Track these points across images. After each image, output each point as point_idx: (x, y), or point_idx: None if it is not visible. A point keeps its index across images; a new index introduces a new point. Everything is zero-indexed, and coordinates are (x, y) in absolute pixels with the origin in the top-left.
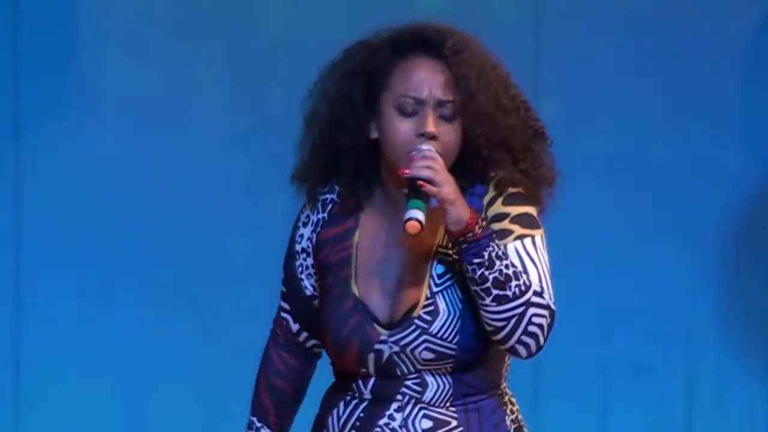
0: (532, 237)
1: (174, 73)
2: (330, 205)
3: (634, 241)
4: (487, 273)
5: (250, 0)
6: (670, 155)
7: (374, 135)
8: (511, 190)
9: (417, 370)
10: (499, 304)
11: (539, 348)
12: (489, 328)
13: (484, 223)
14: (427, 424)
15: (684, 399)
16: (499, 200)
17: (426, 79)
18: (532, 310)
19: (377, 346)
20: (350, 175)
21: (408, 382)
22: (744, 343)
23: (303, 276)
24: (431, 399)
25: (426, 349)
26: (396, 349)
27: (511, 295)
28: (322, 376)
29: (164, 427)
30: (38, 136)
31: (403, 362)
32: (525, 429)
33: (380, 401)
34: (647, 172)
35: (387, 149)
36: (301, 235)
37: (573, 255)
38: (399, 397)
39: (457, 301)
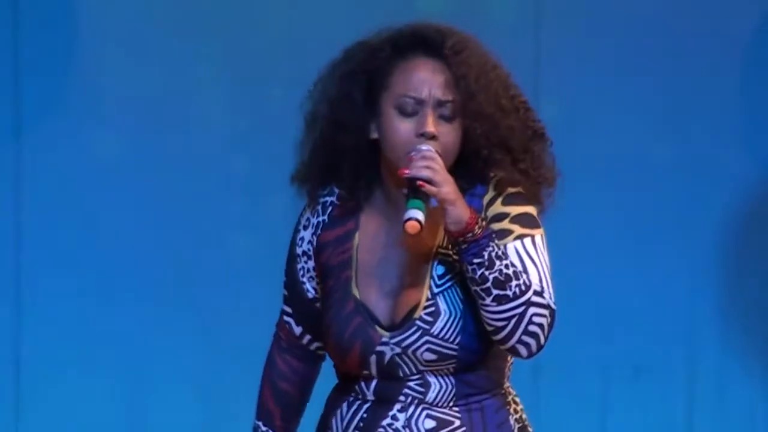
0: (532, 237)
1: (174, 73)
2: (330, 208)
3: (634, 241)
4: (487, 273)
5: (250, 0)
6: (670, 155)
7: (374, 135)
8: (511, 190)
9: (419, 371)
10: (500, 303)
11: (540, 348)
12: (489, 328)
13: (483, 223)
14: (431, 424)
15: (684, 399)
16: (499, 200)
17: (426, 79)
18: (532, 310)
19: (379, 348)
20: (350, 175)
21: (410, 383)
22: (744, 343)
23: (304, 279)
24: (434, 399)
25: (428, 350)
26: (398, 350)
27: (511, 295)
28: (326, 377)
29: (164, 427)
30: (38, 136)
31: (405, 363)
32: (529, 428)
33: (383, 402)
34: (647, 172)
35: (387, 149)
36: (302, 238)
37: (573, 255)
38: (402, 398)
39: (458, 301)
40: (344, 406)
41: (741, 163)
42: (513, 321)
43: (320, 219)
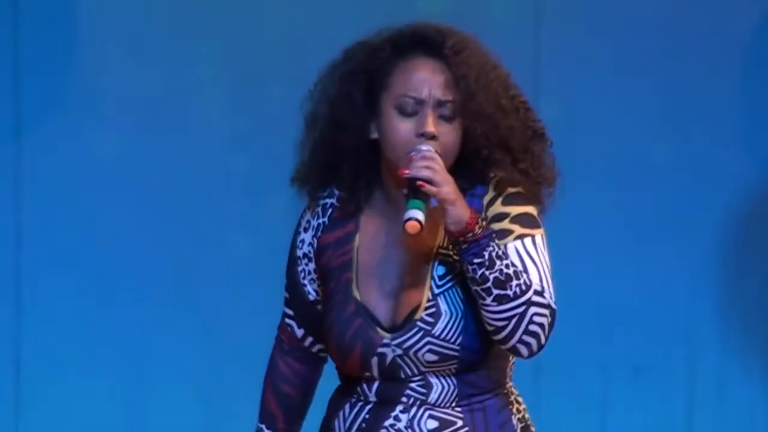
0: (532, 236)
1: (174, 73)
2: (330, 210)
3: (634, 241)
4: (487, 273)
5: (250, 0)
6: (670, 155)
7: (374, 135)
8: (511, 190)
9: (421, 372)
10: (500, 303)
11: (540, 347)
12: (490, 328)
13: (484, 223)
14: (433, 424)
15: (684, 399)
16: (499, 200)
17: (426, 79)
18: (533, 310)
19: (380, 350)
20: (350, 175)
21: (412, 384)
22: (744, 343)
23: (305, 281)
24: (436, 400)
25: (429, 351)
26: (399, 352)
27: (511, 295)
28: (328, 379)
29: (164, 427)
30: (38, 136)
31: (407, 365)
32: (532, 428)
33: (385, 403)
34: (647, 172)
35: (387, 149)
36: (302, 241)
37: (573, 255)
38: (404, 399)
39: (459, 302)
40: (346, 407)
41: (741, 163)
42: (514, 321)
43: (320, 221)
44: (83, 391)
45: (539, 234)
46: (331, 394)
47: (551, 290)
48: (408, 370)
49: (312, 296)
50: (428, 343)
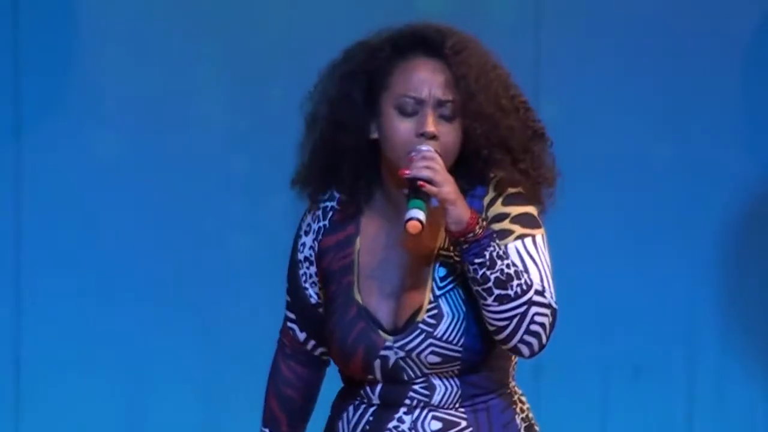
0: (533, 236)
1: (174, 73)
2: (331, 213)
3: (634, 241)
4: (488, 273)
5: (250, 0)
6: (670, 155)
7: (374, 135)
8: (511, 190)
9: (424, 374)
10: (501, 303)
11: (542, 347)
12: (491, 328)
13: (484, 223)
14: (437, 425)
15: (684, 399)
16: (499, 201)
17: (426, 79)
18: (534, 309)
19: (383, 353)
20: (350, 176)
21: (415, 387)
22: (744, 343)
23: (307, 285)
24: (439, 401)
25: (432, 353)
26: (401, 354)
27: (512, 295)
28: (331, 382)
29: (164, 427)
30: (38, 136)
31: (410, 367)
32: (536, 427)
33: (389, 406)
34: (647, 172)
35: (387, 149)
36: (303, 244)
37: (573, 255)
38: (407, 401)
39: (461, 303)
40: (350, 409)
41: (741, 163)
42: (515, 320)
43: (321, 224)
44: (83, 391)
45: (540, 234)
46: (334, 397)
47: (552, 290)
48: (411, 372)
49: (313, 299)
50: (431, 344)
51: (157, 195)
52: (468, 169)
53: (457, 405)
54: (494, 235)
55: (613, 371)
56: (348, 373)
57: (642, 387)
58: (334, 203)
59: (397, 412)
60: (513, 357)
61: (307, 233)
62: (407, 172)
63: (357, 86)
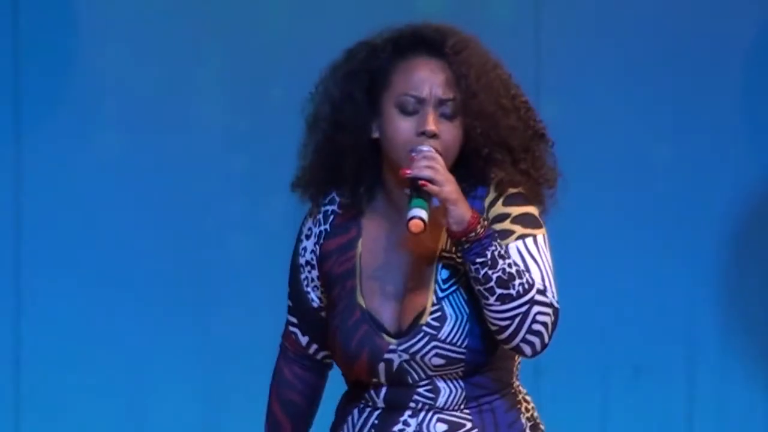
0: (534, 236)
1: (174, 73)
2: (332, 217)
3: (634, 241)
4: (490, 272)
5: (250, 0)
6: (670, 155)
7: (375, 135)
8: (512, 190)
9: (428, 377)
10: (503, 303)
11: (544, 346)
12: (493, 328)
13: (485, 222)
14: (442, 427)
15: (684, 399)
16: (500, 201)
17: (427, 78)
18: (536, 309)
19: (387, 356)
20: (351, 177)
21: (420, 389)
22: (744, 343)
23: (309, 289)
24: (444, 403)
25: (436, 355)
26: (406, 357)
27: (514, 294)
28: (335, 385)
29: (164, 427)
30: (38, 136)
31: (414, 370)
32: (541, 426)
33: (394, 409)
34: (647, 172)
35: (388, 148)
36: (305, 248)
37: (573, 255)
38: (412, 404)
39: (464, 304)
40: (355, 412)
41: (741, 163)
42: (517, 320)
43: (322, 228)
44: (83, 391)
45: (541, 234)
46: (338, 401)
47: (554, 289)
48: (415, 375)
49: (316, 303)
50: (435, 347)
51: (157, 195)
52: (469, 169)
53: (462, 406)
54: (495, 235)
55: (613, 371)
56: (352, 376)
57: (642, 387)
58: (335, 207)
59: (402, 414)
60: (516, 357)
61: (308, 237)
62: (408, 171)
63: (358, 86)
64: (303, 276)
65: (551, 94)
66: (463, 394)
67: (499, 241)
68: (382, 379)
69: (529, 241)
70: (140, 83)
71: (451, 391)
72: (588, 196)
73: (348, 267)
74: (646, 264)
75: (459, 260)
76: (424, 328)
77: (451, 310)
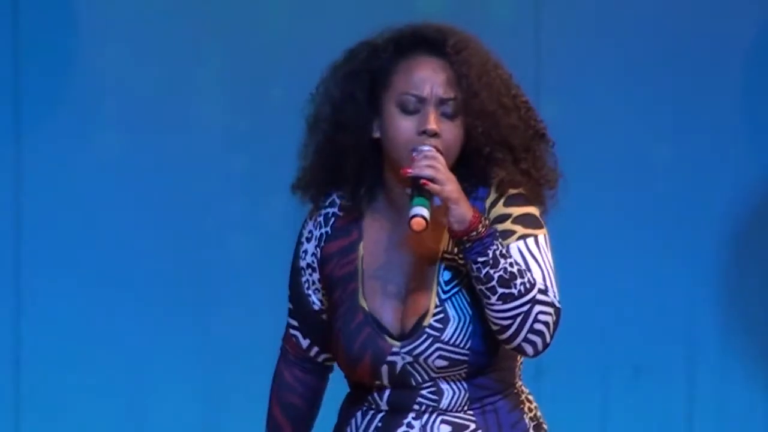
0: (535, 237)
1: (174, 73)
2: (333, 219)
3: (634, 241)
4: (492, 271)
5: (251, 0)
6: (670, 155)
7: (376, 134)
8: (512, 191)
9: (431, 379)
10: (505, 302)
11: (546, 346)
12: (495, 327)
13: (487, 221)
14: (446, 429)
15: (684, 399)
16: (501, 201)
17: (427, 78)
18: (537, 308)
19: (390, 358)
20: (352, 177)
21: (423, 391)
22: (744, 343)
23: (310, 291)
24: (448, 405)
25: (439, 357)
26: (409, 359)
27: (516, 293)
28: (338, 386)
29: (164, 427)
30: (38, 136)
31: (417, 372)
32: (544, 425)
33: (397, 411)
34: (647, 172)
35: (389, 148)
36: (305, 251)
37: (573, 255)
38: (416, 406)
39: (466, 306)
40: (358, 415)
41: (741, 163)
42: (519, 319)
43: (323, 231)
44: (83, 391)
45: (542, 234)
46: (340, 402)
47: (555, 289)
48: (419, 377)
49: (317, 306)
50: (438, 349)
51: (157, 195)
52: (469, 169)
53: (465, 408)
54: (497, 234)
55: (613, 371)
56: (355, 379)
57: (642, 387)
58: (335, 209)
59: (406, 417)
60: (518, 357)
61: (308, 240)
62: (410, 170)
63: (359, 86)
64: (304, 279)
65: (551, 94)
66: (467, 395)
67: (500, 240)
68: (385, 381)
69: (530, 241)
70: (140, 83)
71: (454, 393)
72: (588, 196)
73: (349, 270)
74: (646, 264)
75: (461, 261)
76: (427, 330)
77: (453, 312)
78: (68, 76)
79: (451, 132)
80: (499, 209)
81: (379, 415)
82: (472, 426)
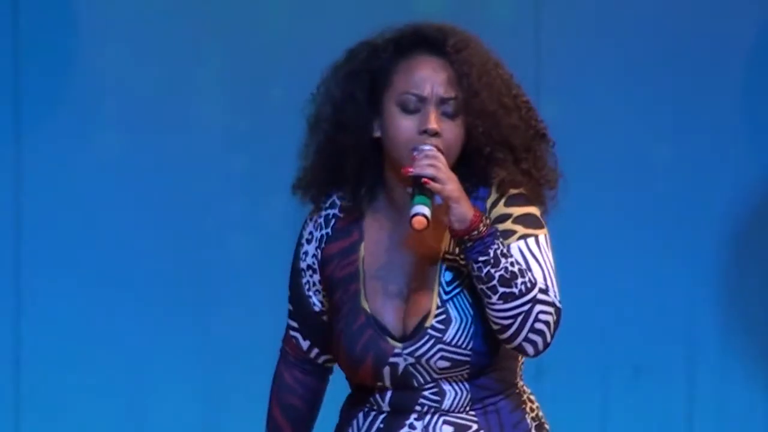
0: (536, 236)
1: (174, 73)
2: (333, 221)
3: (634, 241)
4: (493, 271)
5: (251, 0)
6: (670, 155)
7: (377, 134)
8: (513, 191)
9: (434, 380)
10: (506, 302)
11: (546, 345)
12: (496, 327)
13: (488, 221)
14: (448, 429)
15: (684, 399)
16: (502, 201)
17: (428, 77)
18: (538, 308)
19: (392, 360)
20: (353, 177)
21: (425, 392)
22: (744, 343)
23: (310, 293)
24: (450, 406)
25: (441, 357)
26: (411, 360)
27: (517, 293)
28: (337, 387)
29: (164, 427)
30: (38, 136)
31: (419, 373)
32: (546, 425)
33: (399, 412)
34: (647, 172)
35: (390, 147)
36: (306, 252)
37: (573, 255)
38: (418, 407)
39: (468, 306)
40: (360, 416)
41: (741, 163)
42: (519, 319)
43: (324, 232)
44: (83, 391)
45: (542, 234)
46: (340, 404)
47: (556, 289)
48: (420, 378)
49: (317, 307)
50: (440, 350)
51: (157, 195)
52: (470, 169)
53: (467, 408)
54: (497, 233)
55: (613, 371)
56: (356, 380)
57: (642, 387)
58: (336, 210)
59: (408, 418)
60: (519, 357)
61: (309, 241)
62: (411, 170)
63: (360, 85)
64: (304, 280)
65: (551, 94)
66: (468, 395)
67: (501, 239)
68: (387, 382)
69: (531, 241)
70: (140, 83)
71: (456, 394)
72: (588, 196)
73: (351, 271)
74: (646, 264)
75: (462, 262)
76: (429, 331)
77: (455, 313)
78: (68, 76)
79: (452, 131)
80: (500, 209)
81: (381, 416)
82: (474, 426)
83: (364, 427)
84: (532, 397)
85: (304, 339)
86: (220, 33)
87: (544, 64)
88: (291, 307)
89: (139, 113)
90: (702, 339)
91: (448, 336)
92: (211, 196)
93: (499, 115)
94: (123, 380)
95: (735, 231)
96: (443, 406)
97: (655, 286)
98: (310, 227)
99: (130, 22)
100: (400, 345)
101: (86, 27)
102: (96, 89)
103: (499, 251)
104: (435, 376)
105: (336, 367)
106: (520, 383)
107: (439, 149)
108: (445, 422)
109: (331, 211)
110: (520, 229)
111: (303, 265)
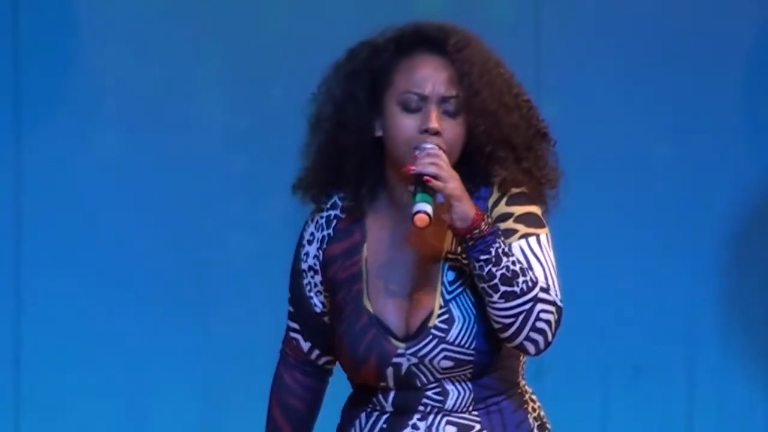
0: (537, 236)
1: (174, 73)
2: (335, 221)
3: (634, 241)
4: (494, 269)
5: (250, 0)
6: (670, 155)
7: (378, 133)
8: (515, 190)
9: (437, 380)
10: (507, 300)
11: (547, 344)
12: (497, 326)
13: (489, 219)
14: (452, 429)
15: (684, 399)
16: (503, 201)
17: (429, 76)
18: (539, 306)
19: (395, 360)
20: (354, 176)
21: (429, 392)
22: (744, 343)
23: (312, 294)
24: (453, 406)
25: (444, 357)
26: (414, 360)
27: (518, 291)
28: (338, 388)
29: (164, 427)
30: (38, 136)
31: (423, 373)
32: (548, 425)
33: (402, 412)
34: (647, 172)
35: (391, 146)
36: (307, 253)
37: (573, 255)
38: (421, 407)
39: (470, 306)
40: (362, 417)
41: (741, 163)
42: (521, 317)
43: (325, 233)
44: (83, 391)
45: (544, 233)
46: (341, 404)
47: (557, 288)
48: (423, 378)
49: (318, 308)
50: (443, 350)
51: (157, 195)
52: (471, 168)
53: (470, 408)
54: (499, 232)
55: (613, 371)
56: (359, 380)
57: (642, 387)
58: (337, 211)
59: (411, 418)
60: (521, 356)
61: (310, 242)
62: (412, 168)
63: (360, 85)
64: (305, 281)
65: (551, 94)
66: (471, 395)
67: (502, 238)
68: (390, 383)
69: (533, 240)
70: (140, 83)
71: (459, 393)
72: (588, 196)
73: (353, 271)
74: (646, 264)
75: (464, 261)
76: (432, 331)
77: (458, 313)
78: (68, 76)
79: (453, 130)
80: (502, 208)
81: (384, 417)
82: (477, 426)
83: (367, 428)
84: (534, 397)
85: (305, 340)
86: (220, 33)
87: (544, 64)
88: (291, 309)
89: (139, 113)
90: (702, 339)
91: (452, 336)
92: (211, 196)
93: (500, 114)
94: (123, 380)
95: (735, 231)
96: (446, 406)
97: (655, 286)
98: (311, 228)
99: (130, 22)
100: (403, 345)
101: (86, 27)
102: (96, 89)
103: (500, 250)
104: (438, 376)
105: (336, 367)
106: (522, 383)
107: (440, 148)
108: (448, 422)
109: (332, 212)
110: (522, 228)
111: (304, 266)
